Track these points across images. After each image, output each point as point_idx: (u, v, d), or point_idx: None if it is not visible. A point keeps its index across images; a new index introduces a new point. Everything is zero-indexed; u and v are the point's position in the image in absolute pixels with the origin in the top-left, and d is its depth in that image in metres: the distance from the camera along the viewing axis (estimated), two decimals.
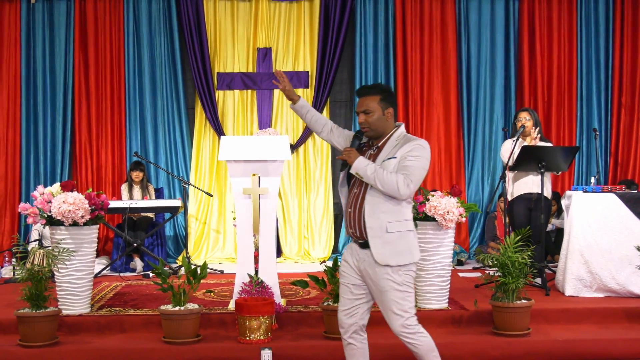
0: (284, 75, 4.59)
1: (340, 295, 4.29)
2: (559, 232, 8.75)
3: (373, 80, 9.85)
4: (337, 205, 9.99)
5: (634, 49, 9.88)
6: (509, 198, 7.27)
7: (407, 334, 4.12)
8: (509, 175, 7.24)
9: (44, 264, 5.35)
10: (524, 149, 6.89)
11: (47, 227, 5.96)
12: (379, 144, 4.17)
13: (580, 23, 9.89)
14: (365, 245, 4.08)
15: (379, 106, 4.12)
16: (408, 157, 4.01)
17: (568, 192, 6.91)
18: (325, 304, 5.52)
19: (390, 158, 4.05)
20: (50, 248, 5.62)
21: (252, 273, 6.00)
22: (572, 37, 9.89)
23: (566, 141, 9.78)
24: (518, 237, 5.55)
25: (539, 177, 6.93)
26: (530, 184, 7.09)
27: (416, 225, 5.94)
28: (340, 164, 4.23)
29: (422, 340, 4.15)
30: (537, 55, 9.83)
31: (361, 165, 4.02)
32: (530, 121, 7.20)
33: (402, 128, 4.20)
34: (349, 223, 4.16)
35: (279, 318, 5.72)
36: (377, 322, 5.81)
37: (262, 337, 5.39)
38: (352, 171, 4.07)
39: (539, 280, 6.89)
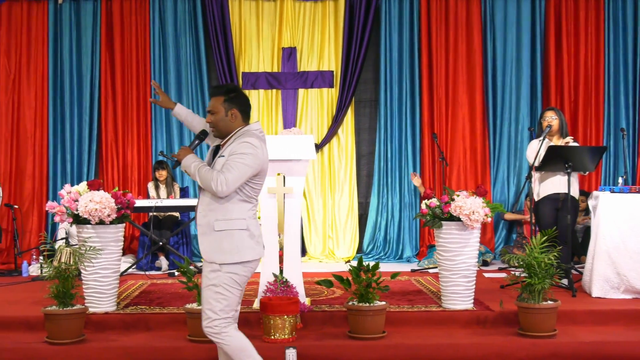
0: (159, 86, 4.78)
1: None
2: (586, 233, 8.67)
3: (398, 80, 9.83)
4: (361, 205, 9.98)
5: None
6: (536, 198, 7.22)
7: (212, 333, 4.15)
8: (535, 175, 7.19)
9: (71, 262, 5.39)
10: (551, 149, 6.84)
11: (73, 226, 6.01)
12: (222, 144, 4.24)
13: (607, 21, 9.78)
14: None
15: (222, 107, 4.19)
16: (233, 154, 4.06)
17: (595, 193, 6.84)
18: (350, 303, 5.52)
19: (220, 156, 4.14)
20: (77, 246, 5.66)
21: (277, 272, 6.00)
22: (599, 36, 9.79)
23: (593, 141, 9.69)
24: (544, 238, 5.50)
25: (566, 177, 6.87)
26: (557, 184, 7.04)
27: (440, 225, 5.93)
28: (174, 161, 4.28)
29: (228, 340, 4.14)
30: (563, 54, 9.75)
31: (187, 163, 4.14)
32: (557, 120, 7.15)
33: (249, 127, 4.24)
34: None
35: (303, 317, 5.73)
36: (403, 322, 5.82)
37: (286, 336, 5.39)
38: (182, 169, 4.20)
39: (565, 281, 6.83)
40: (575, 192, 7.07)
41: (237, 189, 4.07)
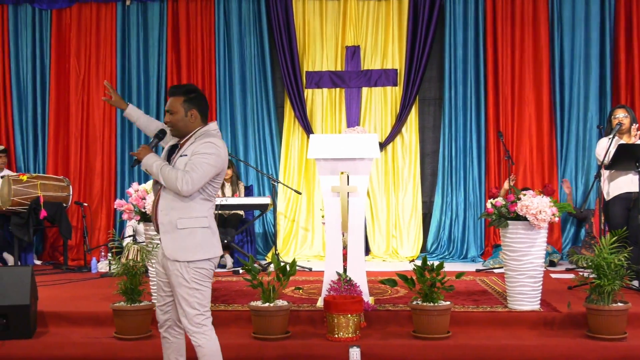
0: (111, 86, 4.84)
1: (157, 292, 4.33)
2: None
3: (462, 77, 9.74)
4: (425, 204, 9.91)
5: None
6: (606, 197, 7.06)
7: (193, 332, 4.12)
8: (605, 174, 7.04)
9: (138, 259, 5.49)
10: (621, 147, 6.69)
11: (141, 224, 6.11)
12: (181, 143, 4.26)
13: None
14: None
15: (182, 107, 4.22)
16: (196, 154, 4.09)
17: None
18: (414, 303, 5.49)
19: (182, 156, 4.16)
20: (144, 243, 5.75)
21: (341, 271, 6.00)
22: None
23: None
24: (614, 238, 5.38)
25: (636, 176, 6.71)
26: (629, 183, 6.87)
27: (506, 225, 5.85)
28: (133, 160, 4.28)
29: (203, 341, 4.13)
30: (634, 51, 9.49)
31: (149, 162, 4.17)
32: (628, 118, 6.99)
33: (207, 127, 4.26)
34: (153, 217, 4.25)
35: (367, 316, 5.72)
36: (468, 322, 5.75)
37: (350, 335, 5.39)
38: (142, 167, 4.22)
39: (636, 283, 6.67)
40: None
41: (200, 188, 4.12)
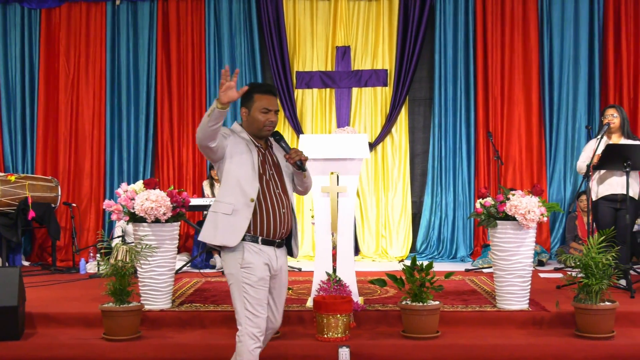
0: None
1: (262, 302, 4.10)
2: None
3: (452, 78, 9.76)
4: (415, 204, 9.92)
5: None
6: (594, 198, 7.09)
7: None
8: (595, 175, 7.05)
9: (127, 260, 5.47)
10: (609, 147, 6.72)
11: (130, 224, 6.10)
12: (265, 143, 4.27)
13: None
14: (282, 244, 4.19)
15: None
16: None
17: None
18: (404, 302, 5.50)
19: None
20: (133, 244, 5.74)
21: (330, 271, 6.01)
22: None
23: None
24: (602, 238, 5.41)
25: (624, 177, 6.74)
26: (614, 185, 6.90)
27: (495, 225, 5.87)
28: (296, 165, 4.19)
29: None
30: (622, 51, 9.54)
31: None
32: (617, 118, 7.02)
33: None
34: (282, 224, 4.15)
35: (356, 316, 5.72)
36: (457, 321, 5.77)
37: (340, 335, 5.39)
38: (304, 170, 4.22)
39: (623, 282, 6.69)
40: (634, 193, 6.92)
41: None
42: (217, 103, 3.87)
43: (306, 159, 4.19)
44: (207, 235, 4.12)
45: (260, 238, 4.09)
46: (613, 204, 6.93)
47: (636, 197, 6.96)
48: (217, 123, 3.90)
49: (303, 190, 4.40)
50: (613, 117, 7.01)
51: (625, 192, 6.74)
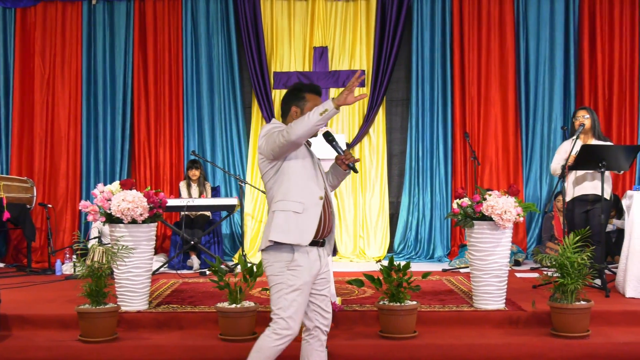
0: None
1: (302, 305, 4.10)
2: (620, 233, 8.57)
3: (429, 78, 9.81)
4: (392, 204, 9.95)
5: None
6: (567, 199, 7.15)
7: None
8: (570, 177, 7.11)
9: (104, 261, 5.44)
10: (584, 148, 6.77)
11: (106, 225, 6.06)
12: (308, 142, 4.25)
13: None
14: (324, 243, 4.18)
15: None
16: None
17: (629, 192, 6.75)
18: (381, 303, 5.51)
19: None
20: (109, 245, 5.71)
21: None
22: (634, 34, 9.67)
23: (627, 140, 9.57)
24: (577, 238, 5.45)
25: (595, 179, 6.81)
26: (587, 186, 6.96)
27: (472, 225, 5.90)
28: (349, 166, 4.25)
29: None
30: (597, 52, 9.64)
31: None
32: (589, 119, 7.07)
33: None
34: (329, 223, 4.15)
35: (334, 317, 5.68)
36: (434, 321, 5.79)
37: None
38: (356, 171, 4.27)
39: (598, 282, 6.75)
40: (607, 193, 6.98)
41: None
42: (334, 104, 3.83)
43: (358, 160, 4.26)
44: (279, 234, 4.00)
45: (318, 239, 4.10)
46: (585, 204, 7.00)
47: (608, 198, 7.04)
48: (325, 123, 3.91)
49: (332, 190, 4.41)
50: (585, 118, 7.07)
51: (595, 193, 6.83)
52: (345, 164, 4.21)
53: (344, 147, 4.32)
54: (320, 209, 4.06)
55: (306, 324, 4.24)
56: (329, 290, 4.22)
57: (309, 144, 4.25)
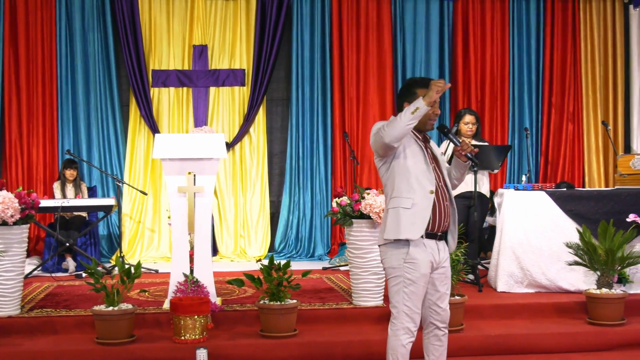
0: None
1: (420, 298, 4.10)
2: (492, 230, 8.89)
3: (309, 78, 9.88)
4: (273, 204, 9.98)
5: (564, 50, 10.14)
6: None
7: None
8: None
9: None
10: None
11: None
12: (424, 137, 4.27)
13: (512, 25, 10.11)
14: (443, 237, 4.17)
15: None
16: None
17: (500, 190, 7.04)
18: (261, 302, 5.52)
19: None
20: None
21: (187, 272, 5.95)
22: (504, 39, 10.09)
23: (499, 140, 9.96)
24: None
25: (477, 175, 7.04)
26: (469, 182, 7.18)
27: (351, 223, 6.00)
28: (467, 157, 4.22)
29: None
30: (470, 55, 10.00)
31: None
32: (475, 126, 7.27)
33: None
34: (446, 216, 4.14)
35: (214, 317, 5.69)
36: (314, 319, 5.84)
37: (197, 336, 5.35)
38: (476, 162, 4.24)
39: (472, 277, 6.99)
40: (485, 190, 7.24)
41: None
42: (424, 102, 3.86)
43: (477, 151, 4.22)
44: (391, 231, 4.05)
45: (425, 232, 4.06)
46: (466, 201, 7.22)
47: (487, 195, 7.30)
48: (416, 122, 3.92)
49: (457, 182, 4.36)
50: (473, 125, 7.27)
51: (477, 189, 7.04)
52: (463, 155, 4.21)
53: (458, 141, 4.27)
54: (432, 203, 4.06)
55: (423, 320, 4.25)
56: (448, 287, 4.21)
57: (424, 139, 4.24)
